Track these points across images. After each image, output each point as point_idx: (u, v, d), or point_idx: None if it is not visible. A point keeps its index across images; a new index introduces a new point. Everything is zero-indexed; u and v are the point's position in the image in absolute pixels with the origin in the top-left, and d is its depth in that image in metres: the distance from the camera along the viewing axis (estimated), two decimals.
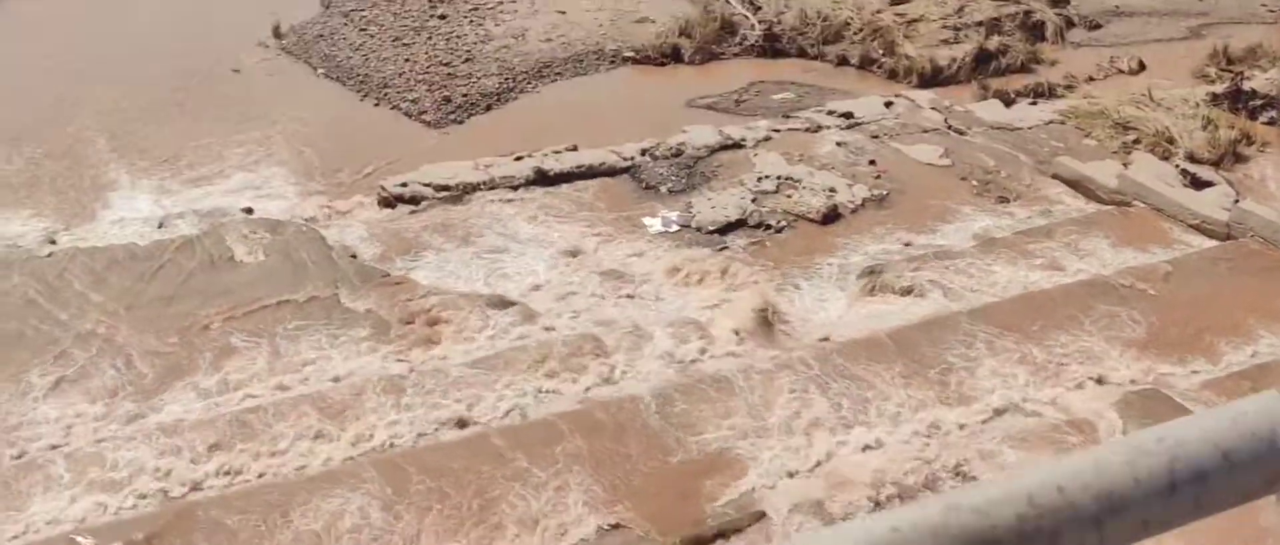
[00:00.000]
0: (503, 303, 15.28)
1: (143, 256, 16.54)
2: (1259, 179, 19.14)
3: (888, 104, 22.07)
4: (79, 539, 11.21)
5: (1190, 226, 17.14)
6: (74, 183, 19.67)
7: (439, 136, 21.75)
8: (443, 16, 26.40)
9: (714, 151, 19.95)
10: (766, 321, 14.64)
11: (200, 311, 15.09)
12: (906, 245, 17.02)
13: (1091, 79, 23.60)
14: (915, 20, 25.73)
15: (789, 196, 18.29)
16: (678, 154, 19.77)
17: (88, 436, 12.75)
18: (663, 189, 18.73)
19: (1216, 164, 18.96)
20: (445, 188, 18.64)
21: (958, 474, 12.09)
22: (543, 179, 18.96)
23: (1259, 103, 20.96)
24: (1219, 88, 21.49)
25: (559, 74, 24.52)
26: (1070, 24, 26.72)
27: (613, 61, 25.28)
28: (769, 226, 17.53)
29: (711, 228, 17.48)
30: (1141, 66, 24.12)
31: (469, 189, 18.61)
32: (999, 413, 13.13)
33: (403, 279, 15.95)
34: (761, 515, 11.53)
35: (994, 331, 14.30)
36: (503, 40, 25.39)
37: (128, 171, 19.97)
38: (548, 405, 13.23)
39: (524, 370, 13.70)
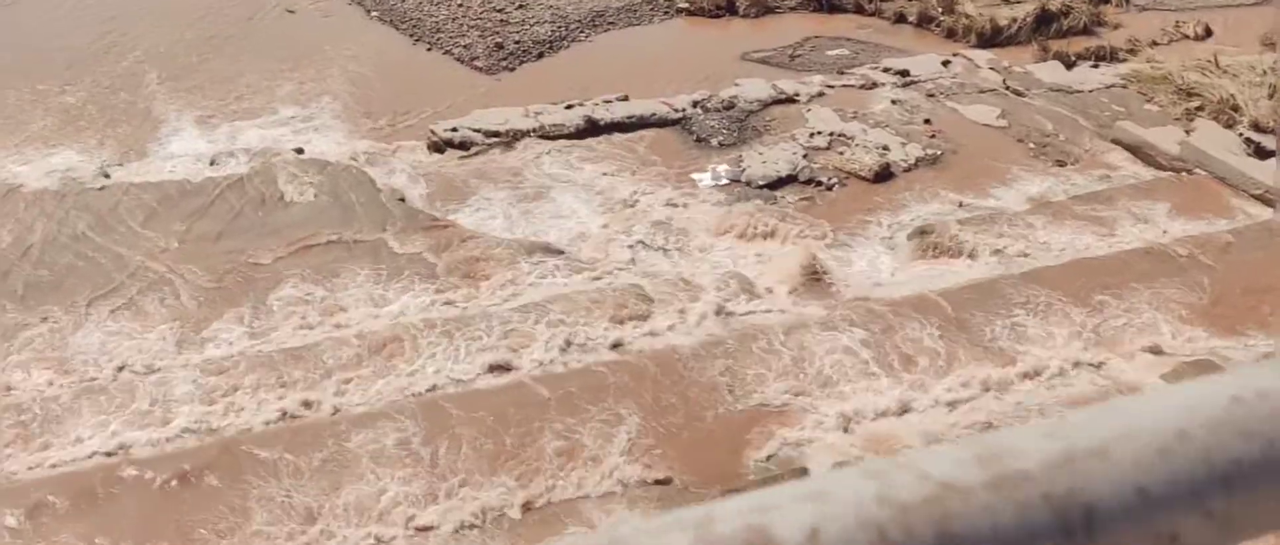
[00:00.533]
0: (549, 250, 15.23)
1: (194, 193, 16.65)
2: None
3: (945, 63, 21.68)
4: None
5: (1253, 197, 16.73)
6: (128, 118, 19.80)
7: (490, 82, 21.65)
8: None
9: (766, 106, 19.72)
10: (815, 278, 14.49)
11: (249, 249, 15.17)
12: (959, 206, 16.76)
13: (1155, 43, 23.03)
14: None
15: (841, 153, 18.05)
16: (730, 107, 19.56)
17: (135, 368, 12.89)
18: (713, 142, 18.55)
19: None
20: (495, 134, 18.58)
21: None
22: (593, 128, 18.84)
23: None
24: None
25: (612, 23, 24.30)
26: None
27: (666, 12, 25.00)
28: (820, 183, 17.33)
29: (762, 182, 17.30)
30: (1208, 32, 23.50)
31: (518, 136, 18.54)
32: (1047, 378, 12.94)
33: (450, 223, 15.93)
34: (803, 471, 11.44)
35: (1046, 296, 14.07)
36: None
37: (181, 108, 20.07)
38: (591, 354, 13.19)
39: (568, 318, 13.66)
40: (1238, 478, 0.96)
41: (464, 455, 11.54)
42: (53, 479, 11.27)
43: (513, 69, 22.28)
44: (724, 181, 17.34)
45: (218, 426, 11.99)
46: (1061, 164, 18.07)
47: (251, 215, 16.08)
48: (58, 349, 13.28)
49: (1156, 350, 13.31)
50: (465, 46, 23.05)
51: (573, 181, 17.29)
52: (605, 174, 17.56)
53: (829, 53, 22.97)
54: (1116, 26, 24.10)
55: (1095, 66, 21.84)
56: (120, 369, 12.88)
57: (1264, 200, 16.63)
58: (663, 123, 19.15)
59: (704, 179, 17.39)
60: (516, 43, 23.11)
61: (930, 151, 18.20)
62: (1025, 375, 13.01)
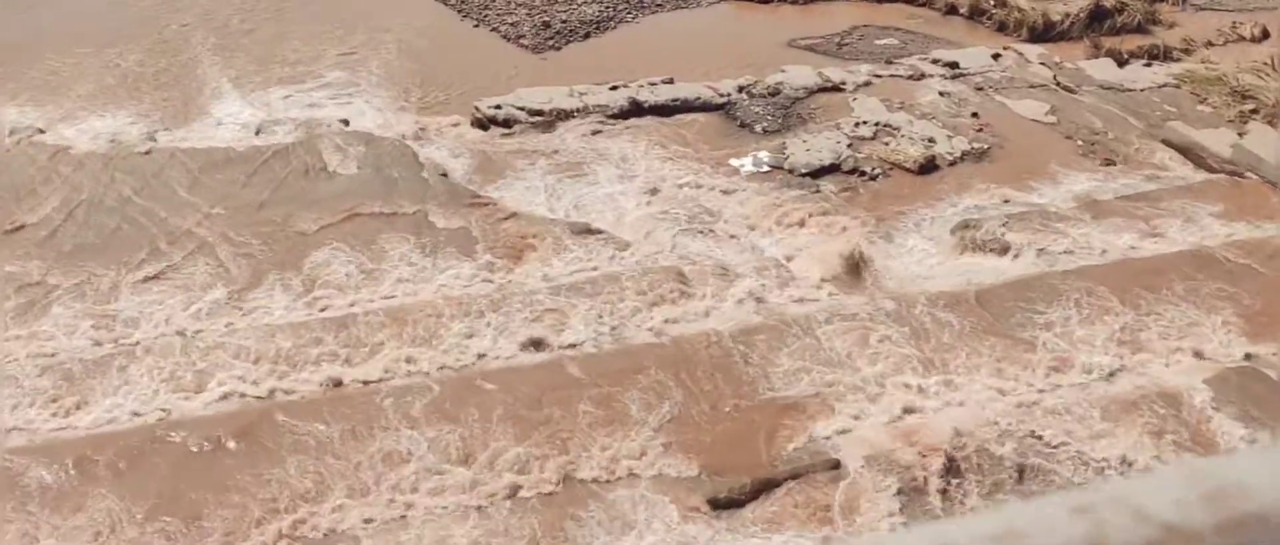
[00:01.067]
0: (588, 230, 15.22)
1: (239, 160, 16.77)
2: None
3: (995, 56, 21.43)
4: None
5: None
6: (176, 84, 19.98)
7: (536, 61, 21.64)
8: None
9: (812, 93, 19.59)
10: (855, 269, 14.39)
11: (292, 217, 15.27)
12: (1005, 202, 16.57)
13: (1211, 44, 22.65)
14: None
15: (886, 144, 17.89)
16: (775, 93, 19.44)
17: (176, 332, 13.02)
18: (757, 128, 18.45)
19: None
20: (539, 113, 18.57)
21: (1038, 439, 11.80)
22: (637, 110, 18.80)
23: None
24: None
25: (660, 5, 24.21)
26: None
27: None
28: (863, 173, 17.19)
29: (804, 170, 17.18)
30: (1265, 34, 23.07)
31: (563, 115, 18.53)
32: (1087, 379, 12.79)
33: (491, 201, 15.96)
34: (836, 464, 11.39)
35: (1089, 296, 13.90)
36: None
37: (228, 75, 20.22)
38: (627, 335, 13.18)
39: (606, 299, 13.66)
40: None
41: (497, 430, 11.57)
42: (92, 438, 11.42)
43: (559, 48, 22.25)
44: (765, 168, 17.25)
45: (256, 393, 12.09)
46: (1110, 163, 17.81)
47: (295, 184, 16.18)
48: (100, 310, 13.43)
49: (1199, 354, 13.12)
50: (512, 24, 23.05)
51: (614, 162, 17.26)
52: (647, 156, 17.51)
53: (877, 42, 22.76)
54: (1171, 25, 23.73)
55: (1148, 65, 21.51)
56: (161, 332, 13.02)
57: None
58: (707, 107, 19.06)
59: (744, 165, 17.30)
60: (563, 22, 23.07)
61: (977, 145, 18.01)
62: (1063, 373, 12.86)
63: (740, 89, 19.48)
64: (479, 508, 10.83)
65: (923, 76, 20.52)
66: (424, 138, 17.93)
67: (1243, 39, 22.96)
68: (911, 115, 18.85)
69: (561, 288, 13.89)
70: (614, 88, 19.30)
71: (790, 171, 17.21)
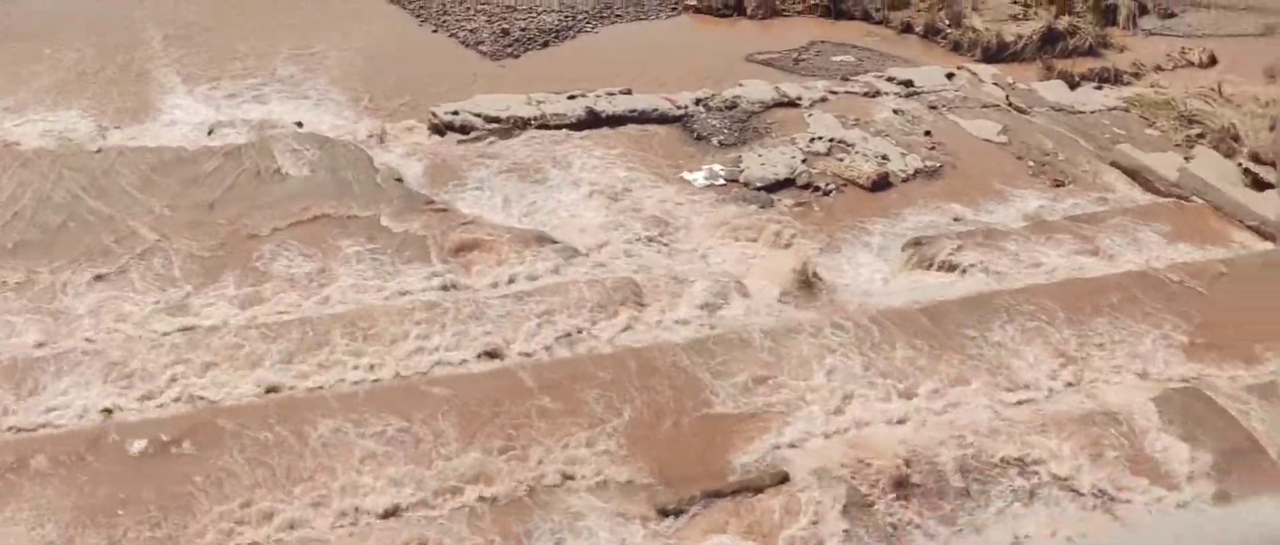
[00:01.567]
0: (543, 239, 15.19)
1: (190, 160, 16.58)
2: None
3: (949, 75, 21.71)
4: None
5: (1249, 228, 16.75)
6: (129, 82, 19.76)
7: (495, 68, 21.62)
8: None
9: (768, 108, 19.74)
10: (806, 283, 14.47)
11: (243, 219, 15.11)
12: (955, 220, 16.77)
13: (1160, 68, 23.10)
14: None
15: (840, 160, 18.04)
16: (732, 107, 19.56)
17: (123, 332, 12.84)
18: (714, 141, 18.54)
19: None
20: (496, 120, 18.55)
21: (985, 455, 11.90)
22: (594, 120, 18.83)
23: None
24: None
25: (619, 16, 24.30)
26: (1144, 10, 26.15)
27: (674, 8, 25.02)
28: (817, 188, 17.32)
29: (759, 184, 17.29)
30: (1213, 60, 23.56)
31: (520, 123, 18.51)
32: (1033, 395, 12.94)
33: (446, 207, 15.89)
34: (784, 477, 11.43)
35: (1036, 315, 14.07)
36: None
37: (182, 74, 20.02)
38: (581, 345, 13.17)
39: (559, 308, 13.64)
40: None
41: (446, 438, 11.51)
42: (33, 440, 11.23)
43: (517, 56, 22.24)
44: (720, 181, 17.33)
45: (201, 396, 11.93)
46: (1059, 184, 18.07)
47: (247, 186, 16.02)
48: (45, 309, 13.22)
49: (1143, 374, 13.33)
50: (471, 30, 23.02)
51: (571, 172, 17.27)
52: (604, 166, 17.52)
53: (834, 59, 22.98)
54: (1122, 49, 24.18)
55: (1099, 88, 21.88)
56: (106, 332, 12.83)
57: (1259, 232, 16.65)
58: (664, 119, 19.14)
59: (698, 178, 17.39)
60: (522, 30, 23.08)
61: (929, 163, 18.20)
62: (1010, 390, 13.00)
63: (697, 102, 19.57)
64: (426, 515, 10.76)
65: (878, 94, 20.72)
66: (380, 142, 17.84)
67: (1191, 64, 23.42)
68: (866, 132, 19.02)
69: (515, 295, 13.86)
70: (572, 97, 19.32)
71: (745, 185, 17.31)
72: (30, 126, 17.62)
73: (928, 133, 19.27)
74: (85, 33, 21.13)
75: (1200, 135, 19.64)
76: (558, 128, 18.52)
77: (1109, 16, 25.28)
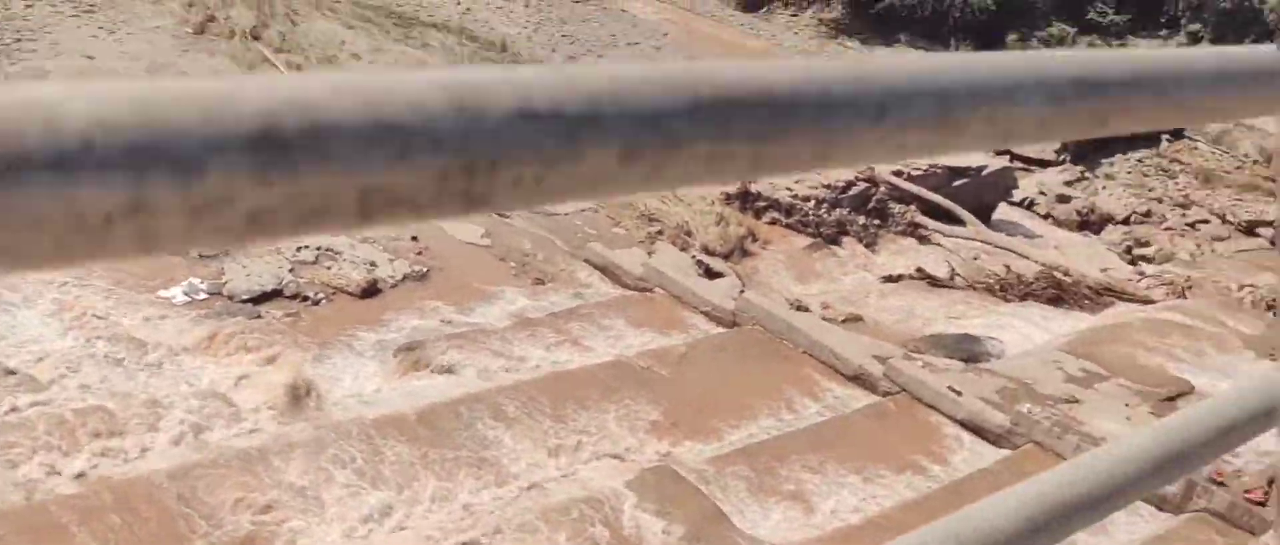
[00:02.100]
0: (4, 371, 13.78)
1: None
2: (761, 272, 21.34)
3: None
4: None
5: (703, 313, 18.73)
6: None
7: None
8: None
9: None
10: (299, 396, 14.26)
11: None
12: (445, 322, 17.29)
13: None
14: None
15: (328, 268, 18.03)
16: None
17: None
18: (193, 252, 17.81)
19: (727, 256, 20.93)
20: None
21: None
22: None
23: (763, 204, 23.41)
24: (731, 189, 23.75)
25: None
26: None
27: None
28: (307, 298, 17.17)
29: (245, 296, 16.84)
30: None
31: None
32: (526, 488, 13.56)
33: None
34: None
35: (523, 410, 14.81)
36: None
37: None
38: (47, 487, 12.05)
39: (22, 446, 12.41)
40: None
41: None
42: None
43: None
44: (202, 296, 16.69)
45: None
46: (540, 282, 19.22)
47: None
48: None
49: (619, 457, 14.43)
50: None
51: (27, 295, 15.84)
52: (71, 287, 16.26)
53: None
54: None
55: None
56: None
57: (712, 317, 18.68)
58: None
59: (177, 296, 16.63)
60: None
61: (417, 268, 18.66)
62: (501, 483, 13.55)
63: None
64: None
65: None
66: None
67: None
68: (353, 240, 19.15)
69: None
70: None
71: (230, 298, 16.78)
72: None
73: (414, 238, 19.76)
74: None
75: (660, 232, 21.76)
76: None
77: None
